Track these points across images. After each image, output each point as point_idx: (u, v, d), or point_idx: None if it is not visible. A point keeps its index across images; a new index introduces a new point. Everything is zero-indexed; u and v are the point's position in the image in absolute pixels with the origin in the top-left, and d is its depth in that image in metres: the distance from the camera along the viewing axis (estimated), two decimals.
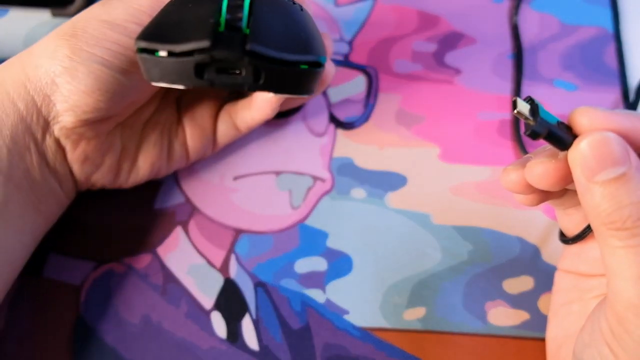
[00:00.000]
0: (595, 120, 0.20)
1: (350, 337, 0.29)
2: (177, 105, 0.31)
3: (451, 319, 0.29)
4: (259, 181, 0.33)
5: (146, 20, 0.25)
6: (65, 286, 0.30)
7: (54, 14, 0.37)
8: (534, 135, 0.21)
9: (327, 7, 0.38)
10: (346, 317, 0.30)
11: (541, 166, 0.21)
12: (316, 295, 0.30)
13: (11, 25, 0.38)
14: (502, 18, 0.38)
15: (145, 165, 0.30)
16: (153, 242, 0.31)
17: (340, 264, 0.31)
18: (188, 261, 0.31)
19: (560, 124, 0.21)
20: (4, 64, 0.26)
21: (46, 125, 0.26)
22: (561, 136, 0.20)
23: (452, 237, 0.31)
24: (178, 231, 0.32)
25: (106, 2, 0.26)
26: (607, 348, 0.20)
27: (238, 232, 0.32)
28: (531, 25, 0.38)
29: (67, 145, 0.27)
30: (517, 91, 0.35)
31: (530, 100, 0.21)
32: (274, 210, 0.32)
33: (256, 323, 0.29)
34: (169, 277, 0.31)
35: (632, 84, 0.36)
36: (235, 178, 0.33)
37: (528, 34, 0.37)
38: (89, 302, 0.30)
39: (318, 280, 0.30)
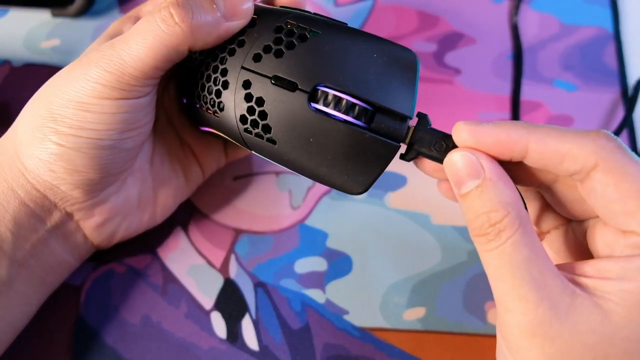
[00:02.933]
0: (468, 135, 0.21)
1: (350, 337, 0.29)
2: (174, 129, 0.31)
3: (451, 319, 0.29)
4: (259, 181, 0.33)
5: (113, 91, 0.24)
6: (65, 286, 0.30)
7: (54, 14, 0.37)
8: (404, 158, 0.24)
9: (327, 7, 0.38)
10: (346, 317, 0.30)
11: (429, 165, 0.24)
12: (316, 295, 0.30)
13: (11, 25, 0.38)
14: (502, 18, 0.38)
15: (168, 199, 0.30)
16: (153, 243, 0.31)
17: (340, 264, 0.31)
18: (188, 261, 0.31)
19: (445, 137, 0.23)
20: None
21: (53, 206, 0.26)
22: (433, 156, 0.23)
23: (452, 237, 0.31)
24: (178, 231, 0.32)
25: (70, 74, 0.24)
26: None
27: (238, 232, 0.32)
28: (531, 25, 0.38)
29: (80, 217, 0.27)
30: (516, 91, 0.35)
31: (419, 120, 0.23)
32: (274, 210, 0.32)
33: (256, 323, 0.30)
34: (169, 278, 0.31)
35: (632, 84, 0.36)
36: (235, 178, 0.33)
37: (528, 34, 0.37)
38: (89, 302, 0.30)
39: (318, 280, 0.30)
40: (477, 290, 0.30)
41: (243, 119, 0.24)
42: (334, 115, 0.22)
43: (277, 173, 0.33)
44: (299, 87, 0.22)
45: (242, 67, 0.23)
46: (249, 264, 0.31)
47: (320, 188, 0.33)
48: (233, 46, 0.24)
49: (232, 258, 0.31)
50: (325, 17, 0.25)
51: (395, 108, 0.23)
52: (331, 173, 0.23)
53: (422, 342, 0.29)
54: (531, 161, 0.21)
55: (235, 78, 0.23)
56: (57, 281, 0.28)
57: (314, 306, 0.30)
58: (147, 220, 0.30)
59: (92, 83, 0.23)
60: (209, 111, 0.25)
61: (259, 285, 0.30)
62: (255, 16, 0.24)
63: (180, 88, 0.28)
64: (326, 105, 0.22)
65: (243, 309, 0.30)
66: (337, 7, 0.38)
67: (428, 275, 0.30)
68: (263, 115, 0.23)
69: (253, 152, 0.25)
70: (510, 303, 0.20)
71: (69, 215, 0.26)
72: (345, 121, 0.23)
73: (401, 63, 0.23)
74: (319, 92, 0.23)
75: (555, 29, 0.37)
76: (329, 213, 0.32)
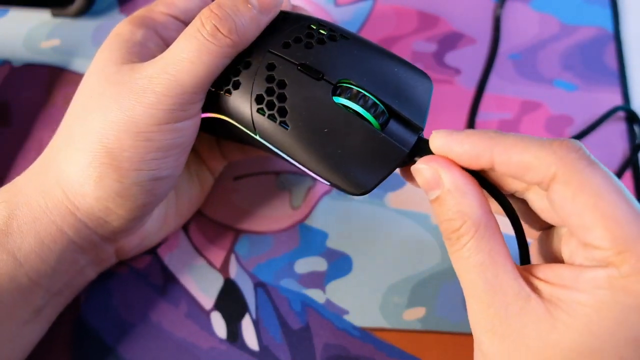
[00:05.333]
0: (440, 144, 0.22)
1: (350, 337, 0.29)
2: None
3: (451, 319, 0.29)
4: (259, 181, 0.33)
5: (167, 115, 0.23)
6: None
7: (54, 14, 0.37)
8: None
9: (327, 7, 0.38)
10: (346, 317, 0.30)
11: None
12: (316, 295, 0.30)
13: (11, 25, 0.38)
14: (502, 18, 0.38)
15: (187, 209, 0.31)
16: None
17: (340, 264, 0.31)
18: (188, 261, 0.31)
19: (420, 140, 0.24)
20: (36, 185, 0.25)
21: (99, 238, 0.26)
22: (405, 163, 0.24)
23: None
24: (178, 231, 0.32)
25: (119, 105, 0.23)
26: None
27: (238, 232, 0.32)
28: (531, 25, 0.38)
29: (121, 244, 0.27)
30: (483, 82, 0.35)
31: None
32: (274, 210, 0.32)
33: (256, 323, 0.30)
34: (169, 277, 0.31)
35: (632, 84, 0.36)
36: (235, 178, 0.33)
37: (528, 34, 0.37)
38: (89, 302, 0.30)
39: (318, 280, 0.30)
40: None
41: (259, 98, 0.24)
42: (354, 110, 0.23)
43: (277, 173, 0.33)
44: (325, 77, 0.23)
45: (269, 51, 0.24)
46: (249, 264, 0.31)
47: (321, 188, 0.33)
48: (264, 34, 0.24)
49: (232, 258, 0.31)
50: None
51: (411, 118, 0.24)
52: (337, 168, 0.23)
53: (422, 342, 0.29)
54: (499, 170, 0.22)
55: (259, 59, 0.24)
56: (75, 294, 0.28)
57: (314, 306, 0.30)
58: (167, 233, 0.30)
59: (151, 110, 0.23)
60: (219, 91, 0.25)
61: (259, 285, 0.30)
62: (291, 14, 0.25)
63: None
64: (349, 99, 0.23)
65: (243, 309, 0.30)
66: (337, 7, 0.38)
67: (428, 275, 0.31)
68: (281, 97, 0.23)
69: (257, 136, 0.24)
70: (470, 302, 0.21)
71: (110, 243, 0.27)
72: (363, 118, 0.23)
73: (418, 82, 0.24)
74: (343, 86, 0.23)
75: (555, 29, 0.37)
76: (329, 213, 0.32)
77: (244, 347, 0.29)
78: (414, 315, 0.30)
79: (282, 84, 0.23)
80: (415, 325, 0.29)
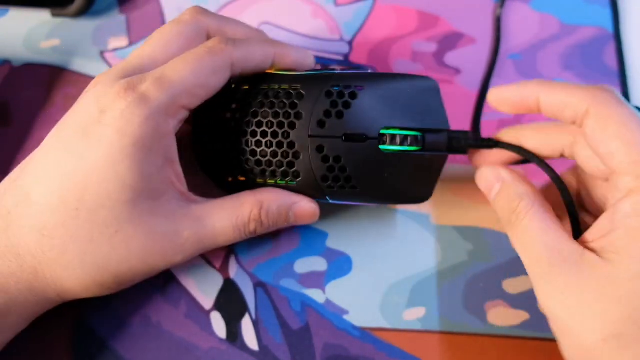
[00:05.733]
0: (495, 96, 0.28)
1: (350, 337, 0.29)
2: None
3: (451, 319, 0.29)
4: None
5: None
6: None
7: (54, 14, 0.37)
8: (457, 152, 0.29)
9: (327, 7, 0.38)
10: (346, 317, 0.30)
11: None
12: (316, 295, 0.30)
13: (11, 25, 0.38)
14: (503, 18, 0.38)
15: None
16: None
17: (340, 264, 0.31)
18: (188, 261, 0.31)
19: (467, 132, 0.28)
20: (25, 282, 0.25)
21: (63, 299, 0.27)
22: (471, 144, 0.28)
23: (452, 237, 0.31)
24: None
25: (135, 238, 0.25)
26: None
27: None
28: (531, 25, 0.37)
29: None
30: (486, 83, 0.35)
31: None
32: None
33: (256, 323, 0.29)
34: (169, 277, 0.31)
35: (632, 84, 0.36)
36: None
37: (528, 34, 0.37)
38: (89, 302, 0.30)
39: (318, 280, 0.30)
40: (477, 290, 0.30)
41: (325, 178, 0.26)
42: (400, 150, 0.27)
43: None
44: (368, 136, 0.26)
45: (310, 136, 0.26)
46: (249, 264, 0.31)
47: None
48: (291, 120, 0.26)
49: (232, 258, 0.31)
50: (350, 68, 0.29)
51: (437, 126, 0.27)
52: (404, 194, 0.28)
53: (422, 342, 0.29)
54: (544, 109, 0.26)
55: (306, 146, 0.26)
56: None
57: (314, 306, 0.30)
58: None
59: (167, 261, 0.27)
60: (269, 181, 0.27)
61: (259, 285, 0.30)
62: (298, 85, 0.27)
63: (220, 170, 0.29)
64: (393, 144, 0.26)
65: (243, 309, 0.30)
66: (337, 7, 0.38)
67: (428, 275, 0.30)
68: (343, 169, 0.26)
69: (329, 200, 0.28)
70: (532, 270, 0.24)
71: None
72: (409, 151, 0.27)
73: (427, 89, 0.27)
74: (385, 135, 0.26)
75: (555, 29, 0.37)
76: (329, 213, 0.32)
77: (243, 347, 0.29)
78: (414, 315, 0.30)
79: (337, 159, 0.26)
80: (415, 325, 0.29)
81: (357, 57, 0.36)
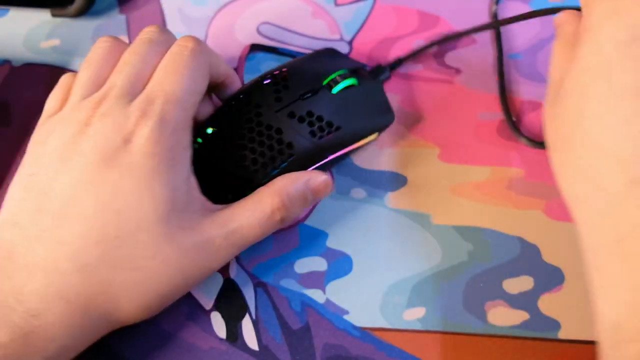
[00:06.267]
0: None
1: (350, 337, 0.29)
2: None
3: (451, 319, 0.29)
4: None
5: None
6: None
7: (54, 14, 0.37)
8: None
9: (327, 7, 0.38)
10: (346, 317, 0.30)
11: None
12: (316, 295, 0.30)
13: (11, 25, 0.38)
14: (503, 18, 0.38)
15: None
16: None
17: (340, 264, 0.31)
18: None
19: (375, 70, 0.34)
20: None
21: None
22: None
23: (452, 237, 0.31)
24: None
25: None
26: None
27: None
28: (531, 25, 0.37)
29: None
30: (502, 84, 0.35)
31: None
32: None
33: (256, 323, 0.30)
34: None
35: None
36: None
37: (528, 34, 0.37)
38: None
39: (318, 280, 0.30)
40: (477, 290, 0.30)
41: (313, 133, 0.29)
42: (345, 85, 0.31)
43: None
44: (317, 88, 0.30)
45: (276, 111, 0.29)
46: (249, 263, 0.31)
47: None
48: (256, 111, 0.29)
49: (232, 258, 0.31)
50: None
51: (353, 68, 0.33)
52: (376, 121, 0.32)
53: (422, 342, 0.29)
54: None
55: (280, 120, 0.29)
56: None
57: (314, 306, 0.30)
58: None
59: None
60: (271, 172, 0.28)
61: (259, 285, 0.30)
62: (244, 90, 0.31)
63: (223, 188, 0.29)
64: (337, 84, 0.31)
65: (243, 309, 0.30)
66: (337, 7, 0.38)
67: (428, 275, 0.30)
68: (320, 118, 0.29)
69: (329, 156, 0.30)
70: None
71: None
72: (352, 85, 0.31)
73: (329, 51, 0.34)
74: (328, 82, 0.31)
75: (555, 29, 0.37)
76: (329, 213, 0.32)
77: (243, 347, 0.29)
78: (414, 315, 0.30)
79: (310, 114, 0.29)
80: (415, 325, 0.29)
81: (357, 57, 0.36)
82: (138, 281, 0.25)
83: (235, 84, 0.31)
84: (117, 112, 0.25)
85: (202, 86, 0.28)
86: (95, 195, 0.24)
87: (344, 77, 0.31)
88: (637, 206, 0.21)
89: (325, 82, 0.30)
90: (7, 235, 0.24)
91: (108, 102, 0.26)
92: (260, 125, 0.29)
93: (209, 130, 0.29)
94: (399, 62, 0.35)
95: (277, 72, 0.30)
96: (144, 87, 0.27)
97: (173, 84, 0.26)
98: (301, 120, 0.29)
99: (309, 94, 0.30)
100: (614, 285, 0.21)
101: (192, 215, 0.26)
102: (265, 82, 0.30)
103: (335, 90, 0.30)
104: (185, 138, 0.26)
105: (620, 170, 0.21)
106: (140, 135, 0.25)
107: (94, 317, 0.24)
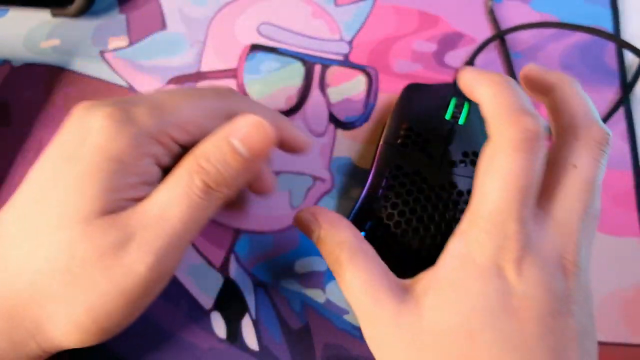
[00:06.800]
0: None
1: (350, 337, 0.29)
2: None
3: None
4: None
5: None
6: None
7: (54, 14, 0.37)
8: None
9: (327, 7, 0.38)
10: (346, 317, 0.30)
11: None
12: (316, 295, 0.30)
13: (11, 25, 0.38)
14: (502, 18, 0.38)
15: None
16: None
17: None
18: (188, 261, 0.31)
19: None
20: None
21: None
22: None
23: None
24: None
25: (106, 271, 0.22)
26: None
27: (238, 232, 0.32)
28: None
29: None
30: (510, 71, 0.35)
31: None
32: (274, 210, 0.32)
33: (256, 323, 0.30)
34: None
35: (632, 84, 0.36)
36: None
37: (528, 34, 0.37)
38: None
39: (318, 280, 0.30)
40: None
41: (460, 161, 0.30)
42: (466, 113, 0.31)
43: (277, 173, 0.33)
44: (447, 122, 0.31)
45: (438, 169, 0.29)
46: (249, 263, 0.31)
47: (320, 188, 0.33)
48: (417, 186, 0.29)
49: (232, 258, 0.31)
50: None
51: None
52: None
53: None
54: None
55: (450, 175, 0.29)
56: None
57: (314, 306, 0.30)
58: None
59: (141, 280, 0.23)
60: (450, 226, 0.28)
61: (258, 285, 0.30)
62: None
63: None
64: (461, 113, 0.31)
65: (243, 308, 0.30)
66: (337, 7, 0.38)
67: None
68: (475, 153, 0.30)
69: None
70: (361, 319, 0.24)
71: None
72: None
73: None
74: (452, 114, 0.31)
75: (555, 29, 0.37)
76: None
77: (243, 347, 0.29)
78: None
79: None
80: None
81: (357, 57, 0.36)
82: (66, 288, 0.21)
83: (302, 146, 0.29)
84: (95, 108, 0.23)
85: (206, 124, 0.25)
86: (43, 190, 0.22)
87: (458, 105, 0.31)
88: None
89: (449, 118, 0.30)
90: None
91: (97, 103, 0.24)
92: (432, 189, 0.29)
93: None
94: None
95: (401, 133, 0.30)
96: None
97: (172, 102, 0.24)
98: (462, 163, 0.29)
99: (449, 136, 0.30)
100: None
101: (123, 218, 0.22)
102: (401, 147, 0.30)
103: (461, 120, 0.30)
104: (150, 149, 0.23)
105: None
106: (99, 128, 0.22)
107: (20, 327, 0.22)
